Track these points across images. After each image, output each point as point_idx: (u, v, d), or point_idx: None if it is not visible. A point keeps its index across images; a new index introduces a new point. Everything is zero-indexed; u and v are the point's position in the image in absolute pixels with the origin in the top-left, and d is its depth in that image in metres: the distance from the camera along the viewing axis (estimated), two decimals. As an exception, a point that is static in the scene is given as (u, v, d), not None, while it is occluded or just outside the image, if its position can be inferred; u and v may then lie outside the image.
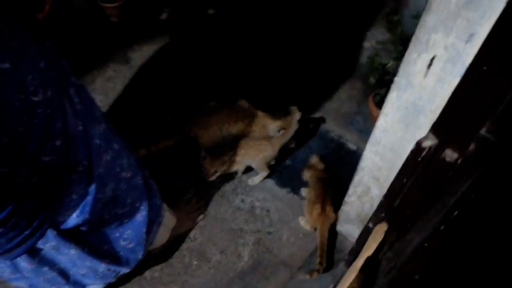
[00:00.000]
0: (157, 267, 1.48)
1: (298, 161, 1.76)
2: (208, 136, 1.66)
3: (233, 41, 2.18)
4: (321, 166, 1.63)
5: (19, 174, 0.79)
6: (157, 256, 1.48)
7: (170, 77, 2.01)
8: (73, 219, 0.99)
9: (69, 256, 1.06)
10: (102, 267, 1.16)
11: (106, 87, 1.95)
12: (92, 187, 0.97)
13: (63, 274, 1.11)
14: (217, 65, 2.07)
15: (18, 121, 0.76)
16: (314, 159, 1.66)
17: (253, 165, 1.64)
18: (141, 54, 2.09)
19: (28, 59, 0.78)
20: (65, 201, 0.93)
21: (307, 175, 1.63)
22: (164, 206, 1.36)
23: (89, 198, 0.97)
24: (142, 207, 1.18)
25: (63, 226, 0.99)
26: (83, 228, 1.04)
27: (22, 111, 0.76)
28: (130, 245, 1.20)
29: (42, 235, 0.93)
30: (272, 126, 1.68)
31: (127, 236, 1.18)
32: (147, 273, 1.46)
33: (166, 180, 1.64)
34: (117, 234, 1.15)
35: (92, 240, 1.10)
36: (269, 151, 1.60)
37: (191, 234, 1.56)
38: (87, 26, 2.16)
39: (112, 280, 1.25)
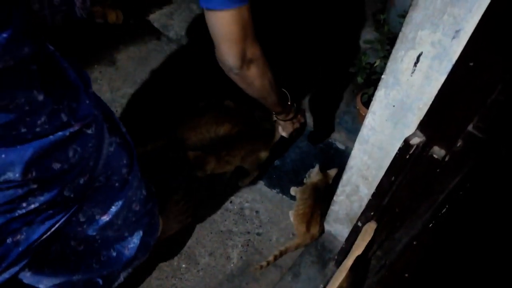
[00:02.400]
0: (145, 271, 1.45)
1: (288, 162, 1.75)
2: (196, 138, 1.64)
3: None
4: (330, 178, 1.62)
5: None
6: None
7: (157, 78, 1.98)
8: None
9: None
10: None
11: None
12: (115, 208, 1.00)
13: None
14: (205, 65, 2.05)
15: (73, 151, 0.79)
16: (333, 172, 1.63)
17: (246, 166, 1.62)
18: (127, 55, 2.06)
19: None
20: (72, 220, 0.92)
21: (314, 174, 1.60)
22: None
23: (107, 218, 0.98)
24: (132, 242, 1.17)
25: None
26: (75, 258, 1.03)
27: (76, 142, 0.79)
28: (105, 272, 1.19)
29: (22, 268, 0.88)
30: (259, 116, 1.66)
31: (105, 271, 1.17)
32: (135, 277, 1.44)
33: (155, 181, 1.61)
34: (95, 265, 1.13)
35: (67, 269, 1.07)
36: (263, 151, 1.59)
37: (180, 237, 1.54)
38: (71, 26, 2.12)
39: None
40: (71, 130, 0.77)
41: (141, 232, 1.17)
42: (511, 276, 0.78)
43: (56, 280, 1.01)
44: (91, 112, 0.84)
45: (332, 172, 1.63)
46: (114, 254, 1.15)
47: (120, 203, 1.00)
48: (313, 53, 2.12)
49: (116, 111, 1.85)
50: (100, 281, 1.18)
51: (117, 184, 0.98)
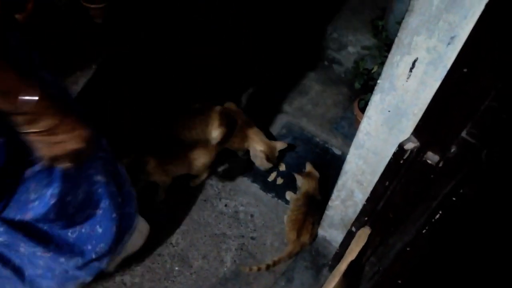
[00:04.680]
0: (138, 273, 1.44)
1: (284, 166, 1.75)
2: (192, 138, 1.64)
3: (222, 43, 2.17)
4: (316, 174, 1.61)
5: None
6: (138, 261, 1.44)
7: (155, 78, 1.98)
8: (34, 215, 0.96)
9: (20, 253, 1.02)
10: (58, 265, 1.11)
11: (89, 88, 1.92)
12: (56, 187, 0.94)
13: (19, 273, 1.07)
14: (205, 67, 2.05)
15: None
16: (308, 167, 1.64)
17: (193, 173, 1.62)
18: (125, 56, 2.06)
19: None
20: (21, 198, 0.90)
21: (301, 182, 1.61)
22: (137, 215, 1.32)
23: (55, 199, 0.95)
24: (109, 214, 1.15)
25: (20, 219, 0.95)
26: (46, 228, 1.01)
27: None
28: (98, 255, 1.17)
29: None
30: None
31: (100, 250, 1.15)
32: (128, 279, 1.43)
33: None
34: (89, 247, 1.11)
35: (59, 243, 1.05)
36: (202, 158, 1.59)
37: (173, 239, 1.53)
38: (70, 26, 2.13)
39: (73, 287, 1.20)
40: None
41: (117, 206, 1.14)
42: (505, 280, 0.78)
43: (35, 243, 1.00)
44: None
45: (308, 167, 1.64)
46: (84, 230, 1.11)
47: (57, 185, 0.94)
48: (312, 59, 2.12)
49: (114, 110, 1.84)
50: (82, 273, 1.16)
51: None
